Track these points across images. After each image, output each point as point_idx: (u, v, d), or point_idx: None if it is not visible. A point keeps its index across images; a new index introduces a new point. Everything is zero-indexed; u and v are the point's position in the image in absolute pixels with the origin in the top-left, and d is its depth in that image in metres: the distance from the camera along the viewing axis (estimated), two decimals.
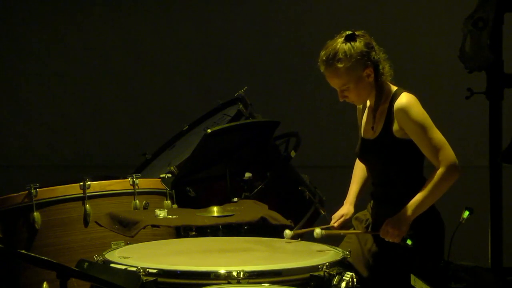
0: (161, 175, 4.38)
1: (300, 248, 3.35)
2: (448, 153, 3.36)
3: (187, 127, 5.26)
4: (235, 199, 4.29)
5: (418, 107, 3.39)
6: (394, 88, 3.50)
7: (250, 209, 4.01)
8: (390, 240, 3.36)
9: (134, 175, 4.16)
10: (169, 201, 4.25)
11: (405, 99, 3.40)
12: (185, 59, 6.78)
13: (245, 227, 3.90)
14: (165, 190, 4.27)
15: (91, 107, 6.92)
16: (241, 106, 4.85)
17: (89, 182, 4.02)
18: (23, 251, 2.93)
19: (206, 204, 4.02)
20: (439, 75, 6.20)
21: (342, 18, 6.43)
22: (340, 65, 3.37)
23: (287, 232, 3.48)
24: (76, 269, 2.85)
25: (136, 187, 4.13)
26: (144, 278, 2.84)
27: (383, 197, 3.49)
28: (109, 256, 3.11)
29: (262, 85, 6.39)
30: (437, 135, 3.38)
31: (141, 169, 5.08)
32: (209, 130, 4.24)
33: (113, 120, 6.86)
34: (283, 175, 4.77)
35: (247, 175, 4.49)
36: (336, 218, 3.59)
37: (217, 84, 6.54)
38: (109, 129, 6.85)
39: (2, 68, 7.01)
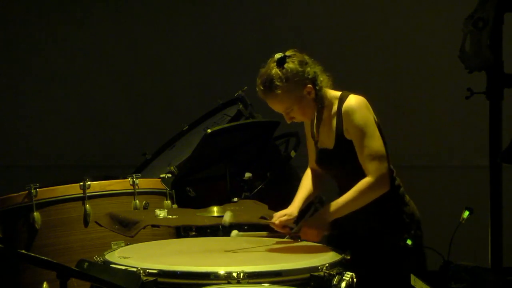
0: (161, 175, 4.38)
1: (300, 248, 3.35)
2: (381, 165, 3.29)
3: (187, 127, 5.27)
4: (235, 199, 4.29)
5: (364, 111, 3.34)
6: (337, 93, 3.44)
7: (250, 209, 4.01)
8: (309, 240, 3.35)
9: (134, 175, 4.16)
10: (169, 201, 4.25)
11: (353, 101, 3.36)
12: (185, 59, 6.78)
13: (245, 227, 3.90)
14: (165, 190, 4.27)
15: (91, 107, 6.92)
16: (241, 106, 4.85)
17: (89, 182, 4.03)
18: (23, 251, 2.93)
19: (206, 204, 4.02)
20: (439, 75, 6.20)
21: (342, 19, 6.43)
22: (278, 91, 3.33)
23: (234, 233, 3.47)
24: (76, 269, 2.85)
25: (136, 187, 4.13)
26: (144, 278, 2.84)
27: None
28: (109, 256, 3.11)
29: None
30: (375, 144, 3.31)
31: (141, 169, 5.09)
32: (209, 130, 4.24)
33: (113, 120, 6.86)
34: (283, 175, 4.77)
35: (247, 175, 4.49)
36: (278, 216, 3.52)
37: (217, 84, 6.54)
38: (109, 129, 6.85)
39: (2, 68, 7.01)
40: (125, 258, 3.06)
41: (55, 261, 2.60)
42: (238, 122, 4.72)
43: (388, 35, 6.34)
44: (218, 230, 3.92)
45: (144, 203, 4.12)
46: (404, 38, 6.30)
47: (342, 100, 3.39)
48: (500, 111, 4.43)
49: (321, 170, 3.62)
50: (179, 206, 4.28)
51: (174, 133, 5.31)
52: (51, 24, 6.97)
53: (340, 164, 3.46)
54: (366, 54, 6.34)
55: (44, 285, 3.81)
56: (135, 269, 2.88)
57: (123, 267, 2.93)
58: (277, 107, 3.41)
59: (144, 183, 4.18)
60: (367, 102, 3.38)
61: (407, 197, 3.52)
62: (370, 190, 3.30)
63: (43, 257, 2.62)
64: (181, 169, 4.48)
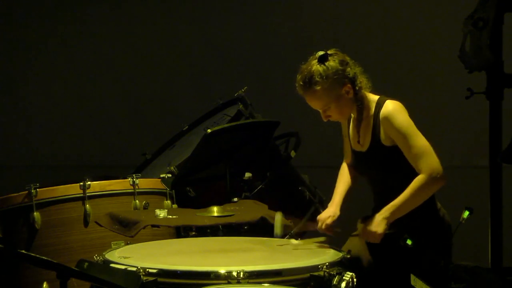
0: (161, 175, 4.38)
1: (300, 248, 3.35)
2: (432, 161, 3.34)
3: (187, 127, 5.26)
4: (235, 199, 4.29)
5: (403, 114, 3.40)
6: (375, 97, 3.49)
7: (250, 209, 4.01)
8: (370, 241, 3.38)
9: (134, 175, 4.16)
10: (169, 201, 4.25)
11: (390, 106, 3.41)
12: (185, 59, 6.78)
13: (245, 227, 3.90)
14: (165, 190, 4.27)
15: (91, 107, 6.92)
16: (241, 106, 4.85)
17: (89, 182, 4.02)
18: (23, 251, 2.92)
19: (206, 204, 4.02)
20: (439, 75, 6.20)
21: (342, 19, 6.43)
22: (318, 88, 3.38)
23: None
24: (76, 269, 2.85)
25: (136, 187, 4.13)
26: (144, 278, 2.84)
27: (385, 203, 3.49)
28: (109, 256, 3.11)
29: (262, 85, 6.39)
30: (421, 142, 3.36)
31: (141, 169, 5.08)
32: (209, 130, 4.24)
33: (113, 120, 6.86)
34: (283, 175, 4.77)
35: (247, 175, 4.49)
36: (323, 220, 3.54)
37: (217, 84, 6.53)
38: (109, 129, 6.85)
39: (2, 68, 7.02)
40: (125, 258, 3.06)
41: (55, 261, 2.60)
42: (238, 122, 4.72)
43: (388, 35, 6.34)
44: (218, 230, 3.92)
45: (144, 203, 4.12)
46: (404, 38, 6.30)
47: (379, 105, 3.44)
48: (500, 111, 4.44)
49: (356, 172, 3.63)
50: (179, 206, 4.27)
51: (174, 133, 5.31)
52: (51, 25, 6.96)
53: (372, 169, 3.50)
54: (366, 54, 6.33)
55: (44, 285, 3.81)
56: (135, 269, 2.88)
57: (123, 267, 2.93)
58: (315, 103, 3.45)
59: (144, 183, 4.18)
60: (403, 106, 3.43)
61: (438, 204, 3.55)
62: (425, 187, 3.34)
63: (43, 257, 2.62)
64: (181, 169, 4.48)
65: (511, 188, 4.62)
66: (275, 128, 4.59)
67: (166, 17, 6.83)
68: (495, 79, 4.39)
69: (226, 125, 4.52)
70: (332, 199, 3.65)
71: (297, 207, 4.63)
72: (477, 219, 3.51)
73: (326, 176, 5.03)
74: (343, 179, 3.71)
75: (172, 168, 4.49)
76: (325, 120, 3.51)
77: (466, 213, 3.33)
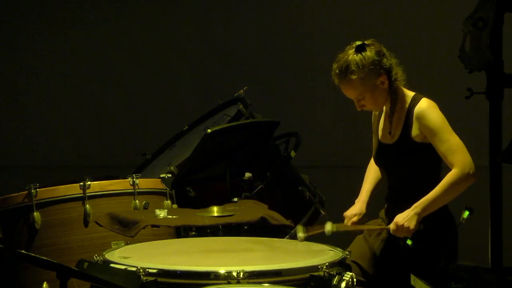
0: (161, 175, 4.38)
1: (300, 248, 3.35)
2: (463, 157, 3.39)
3: (187, 127, 5.26)
4: (235, 199, 4.29)
5: (437, 111, 3.46)
6: (410, 93, 3.55)
7: (250, 209, 4.01)
8: (401, 236, 3.38)
9: (134, 175, 4.16)
10: (169, 201, 4.24)
11: (425, 104, 3.47)
12: (185, 59, 6.78)
13: (245, 227, 3.90)
14: (165, 190, 4.27)
15: (91, 107, 6.92)
16: (241, 106, 4.85)
17: (89, 182, 4.02)
18: (23, 251, 2.92)
19: (206, 204, 4.02)
20: (439, 75, 6.20)
21: (342, 19, 6.43)
22: (354, 77, 3.41)
23: (301, 235, 3.47)
24: (76, 269, 2.85)
25: (136, 187, 4.12)
26: (144, 278, 2.84)
27: (399, 199, 3.50)
28: (109, 256, 3.11)
29: (262, 85, 6.40)
30: (454, 139, 3.42)
31: (141, 169, 5.08)
32: (209, 130, 4.24)
33: (113, 120, 6.86)
34: (283, 175, 4.76)
35: (247, 175, 4.49)
36: (350, 217, 3.58)
37: (217, 84, 6.54)
38: (109, 129, 6.85)
39: (2, 68, 7.02)
40: (125, 258, 3.06)
41: (55, 261, 2.60)
42: (238, 122, 4.72)
43: (388, 35, 6.33)
44: (218, 230, 3.92)
45: (144, 203, 4.12)
46: (404, 38, 6.30)
47: (414, 101, 3.49)
48: (500, 111, 4.44)
49: (377, 165, 3.64)
50: (179, 206, 4.27)
51: (174, 133, 5.31)
52: (51, 25, 6.97)
53: (395, 162, 3.51)
54: None
55: (44, 285, 3.80)
56: (135, 269, 2.88)
57: (123, 267, 2.93)
58: (350, 93, 3.47)
59: (144, 183, 4.18)
60: (437, 106, 3.50)
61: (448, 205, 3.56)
62: (456, 183, 3.37)
63: (43, 257, 2.62)
64: (181, 169, 4.48)
65: (511, 188, 4.62)
66: (275, 128, 4.59)
67: (166, 17, 6.83)
68: (495, 79, 4.39)
69: (226, 125, 4.52)
70: (359, 196, 3.68)
71: (297, 207, 4.63)
72: (477, 219, 3.51)
73: (326, 176, 5.04)
74: (371, 174, 3.73)
75: (172, 168, 4.49)
76: (358, 109, 3.53)
77: (466, 213, 3.33)
